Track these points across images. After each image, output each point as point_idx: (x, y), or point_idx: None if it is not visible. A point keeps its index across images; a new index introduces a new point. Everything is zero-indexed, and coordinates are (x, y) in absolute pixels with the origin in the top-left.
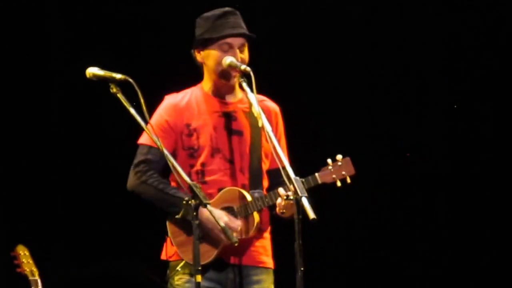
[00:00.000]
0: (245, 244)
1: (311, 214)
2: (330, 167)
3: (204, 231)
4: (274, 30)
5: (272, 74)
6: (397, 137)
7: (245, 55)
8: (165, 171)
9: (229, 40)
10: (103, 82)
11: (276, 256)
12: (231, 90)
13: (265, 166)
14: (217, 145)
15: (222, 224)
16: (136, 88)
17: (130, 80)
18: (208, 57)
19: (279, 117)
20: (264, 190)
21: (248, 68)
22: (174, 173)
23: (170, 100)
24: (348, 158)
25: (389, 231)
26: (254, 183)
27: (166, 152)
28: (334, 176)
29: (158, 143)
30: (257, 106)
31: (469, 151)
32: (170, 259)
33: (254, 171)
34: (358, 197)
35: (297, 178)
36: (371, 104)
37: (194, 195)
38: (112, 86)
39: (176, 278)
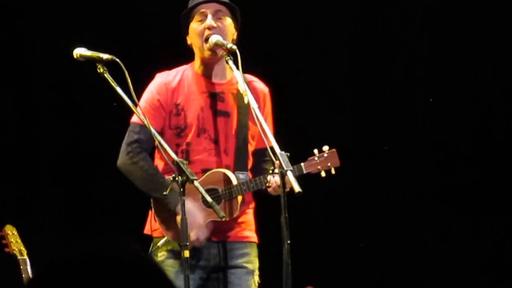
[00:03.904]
0: (228, 223)
1: (297, 188)
2: (316, 158)
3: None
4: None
5: (264, 59)
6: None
7: (223, 23)
8: (153, 149)
9: (201, 9)
10: (90, 62)
11: (263, 231)
12: (219, 66)
13: (251, 147)
14: (203, 125)
15: (210, 199)
16: (123, 68)
17: (117, 60)
18: (191, 35)
19: (267, 99)
20: (249, 171)
21: (234, 47)
22: (161, 150)
23: (161, 78)
24: (334, 150)
25: (375, 205)
26: (238, 165)
27: (153, 130)
28: (319, 167)
29: (146, 122)
30: (243, 83)
31: (451, 144)
32: (153, 234)
33: (239, 152)
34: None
35: (283, 152)
36: (361, 95)
37: (181, 172)
38: (99, 66)
39: (159, 254)
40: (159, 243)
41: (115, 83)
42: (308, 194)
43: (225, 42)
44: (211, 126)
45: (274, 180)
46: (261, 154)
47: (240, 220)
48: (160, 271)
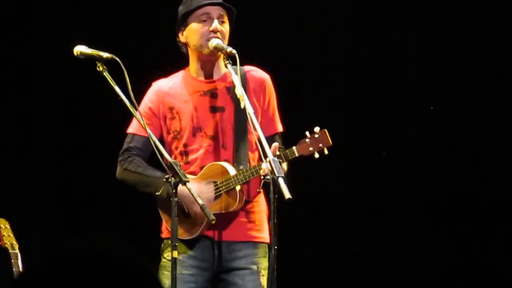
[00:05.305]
0: (230, 219)
1: (287, 194)
2: (307, 140)
3: (189, 208)
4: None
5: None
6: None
7: (225, 27)
8: (152, 157)
9: (207, 9)
10: (90, 60)
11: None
12: (215, 64)
13: (255, 137)
14: (198, 124)
15: (201, 201)
16: (123, 67)
17: (117, 59)
18: (189, 34)
19: (267, 86)
20: (255, 161)
21: (234, 51)
22: (156, 151)
23: (154, 87)
24: (324, 130)
25: (368, 208)
26: (238, 158)
27: (149, 131)
28: (311, 148)
29: (142, 122)
30: (240, 88)
31: (447, 148)
32: (162, 235)
33: (238, 145)
34: (334, 170)
35: (275, 158)
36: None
37: (174, 173)
38: (98, 64)
39: (165, 254)
40: (164, 244)
41: (114, 82)
42: (299, 196)
43: (224, 46)
44: (206, 124)
45: (266, 166)
46: (269, 142)
47: (245, 218)
48: (148, 270)
